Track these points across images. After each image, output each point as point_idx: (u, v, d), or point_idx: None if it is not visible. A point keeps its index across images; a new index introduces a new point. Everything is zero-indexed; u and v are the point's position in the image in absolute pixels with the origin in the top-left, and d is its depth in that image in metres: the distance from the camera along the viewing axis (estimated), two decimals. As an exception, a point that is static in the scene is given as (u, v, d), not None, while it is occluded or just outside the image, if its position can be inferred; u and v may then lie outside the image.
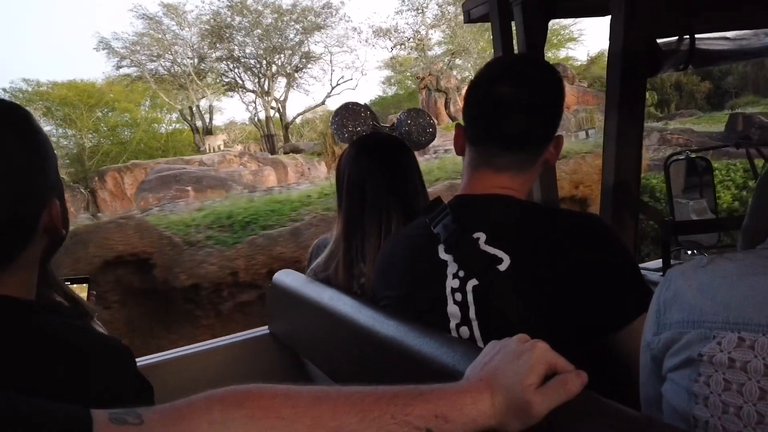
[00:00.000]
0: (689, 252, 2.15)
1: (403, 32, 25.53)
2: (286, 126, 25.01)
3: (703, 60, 1.83)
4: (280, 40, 23.52)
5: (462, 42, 22.68)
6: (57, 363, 0.69)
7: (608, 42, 1.74)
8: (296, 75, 25.07)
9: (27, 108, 0.78)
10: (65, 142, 23.17)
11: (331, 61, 26.58)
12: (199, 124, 24.24)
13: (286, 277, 1.58)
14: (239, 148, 19.97)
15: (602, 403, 0.65)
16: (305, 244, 5.72)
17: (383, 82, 30.50)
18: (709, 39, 1.83)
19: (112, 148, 23.94)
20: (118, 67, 22.95)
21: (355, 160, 1.43)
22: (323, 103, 26.18)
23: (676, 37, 1.75)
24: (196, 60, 23.40)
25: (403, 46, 25.77)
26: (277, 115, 25.34)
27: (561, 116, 1.03)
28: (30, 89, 22.29)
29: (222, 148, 20.09)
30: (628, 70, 1.72)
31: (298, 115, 26.25)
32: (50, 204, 0.77)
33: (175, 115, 25.48)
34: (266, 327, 1.73)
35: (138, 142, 24.31)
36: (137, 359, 0.86)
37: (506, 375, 0.63)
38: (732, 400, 0.57)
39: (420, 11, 24.91)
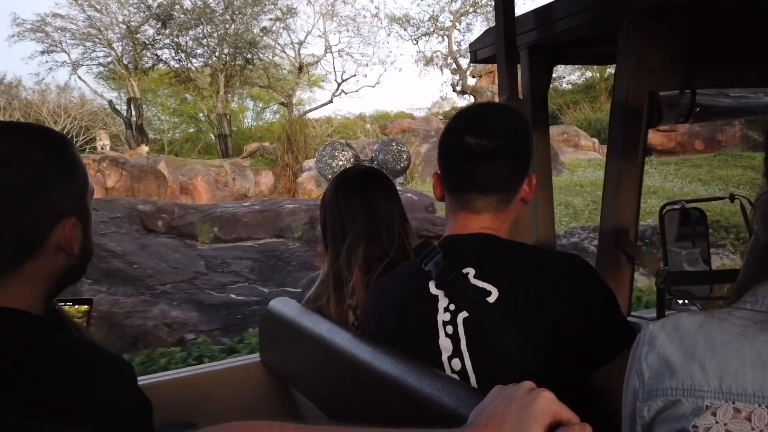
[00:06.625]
0: (680, 302, 2.15)
1: (424, 20, 22.73)
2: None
3: (703, 114, 1.86)
4: (233, 26, 20.27)
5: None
6: (66, 375, 0.71)
7: (613, 91, 1.77)
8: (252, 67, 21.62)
9: None
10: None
11: (329, 50, 23.12)
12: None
13: (282, 306, 1.57)
14: (145, 148, 16.88)
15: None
16: None
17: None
18: (710, 95, 1.87)
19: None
20: (43, 53, 19.97)
21: (334, 194, 1.51)
22: (330, 101, 23.79)
23: (678, 91, 1.78)
24: (137, 48, 20.42)
25: (427, 37, 23.12)
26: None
27: (530, 159, 1.10)
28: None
29: (107, 149, 17.09)
30: (630, 119, 1.75)
31: (304, 113, 22.63)
32: (65, 221, 0.79)
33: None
34: (257, 355, 1.71)
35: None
36: None
37: (510, 423, 0.62)
38: None
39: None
